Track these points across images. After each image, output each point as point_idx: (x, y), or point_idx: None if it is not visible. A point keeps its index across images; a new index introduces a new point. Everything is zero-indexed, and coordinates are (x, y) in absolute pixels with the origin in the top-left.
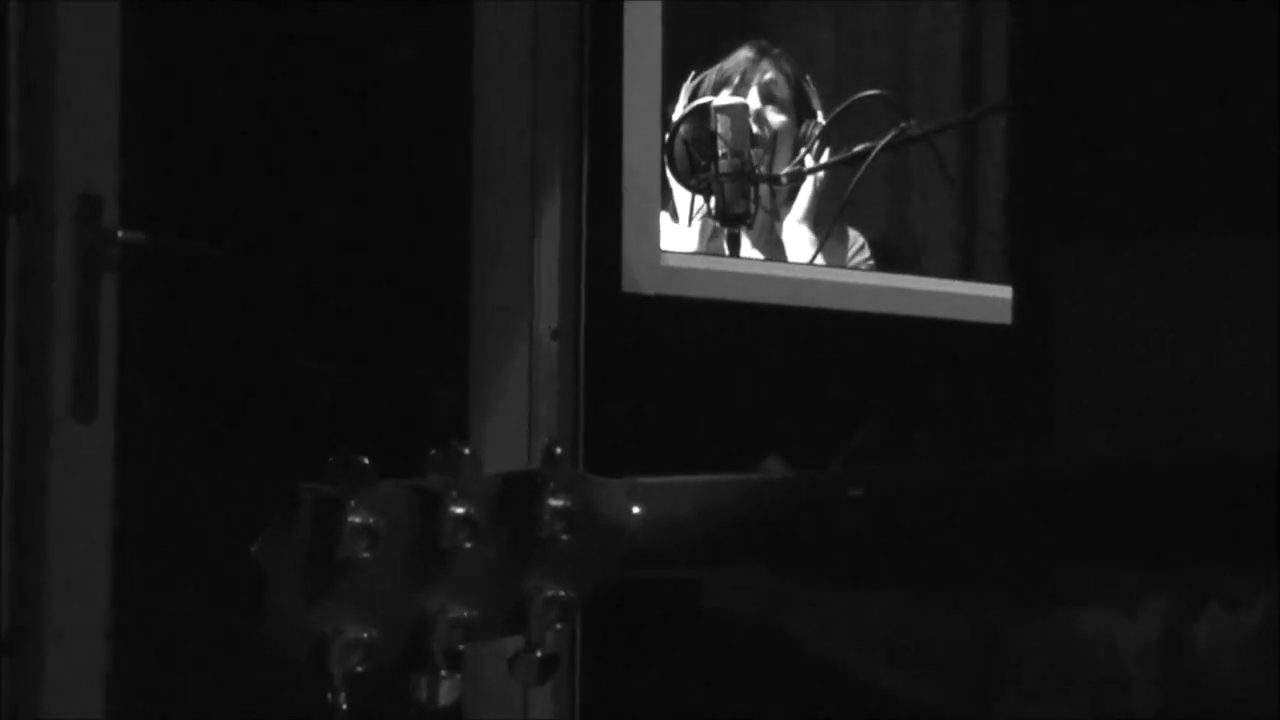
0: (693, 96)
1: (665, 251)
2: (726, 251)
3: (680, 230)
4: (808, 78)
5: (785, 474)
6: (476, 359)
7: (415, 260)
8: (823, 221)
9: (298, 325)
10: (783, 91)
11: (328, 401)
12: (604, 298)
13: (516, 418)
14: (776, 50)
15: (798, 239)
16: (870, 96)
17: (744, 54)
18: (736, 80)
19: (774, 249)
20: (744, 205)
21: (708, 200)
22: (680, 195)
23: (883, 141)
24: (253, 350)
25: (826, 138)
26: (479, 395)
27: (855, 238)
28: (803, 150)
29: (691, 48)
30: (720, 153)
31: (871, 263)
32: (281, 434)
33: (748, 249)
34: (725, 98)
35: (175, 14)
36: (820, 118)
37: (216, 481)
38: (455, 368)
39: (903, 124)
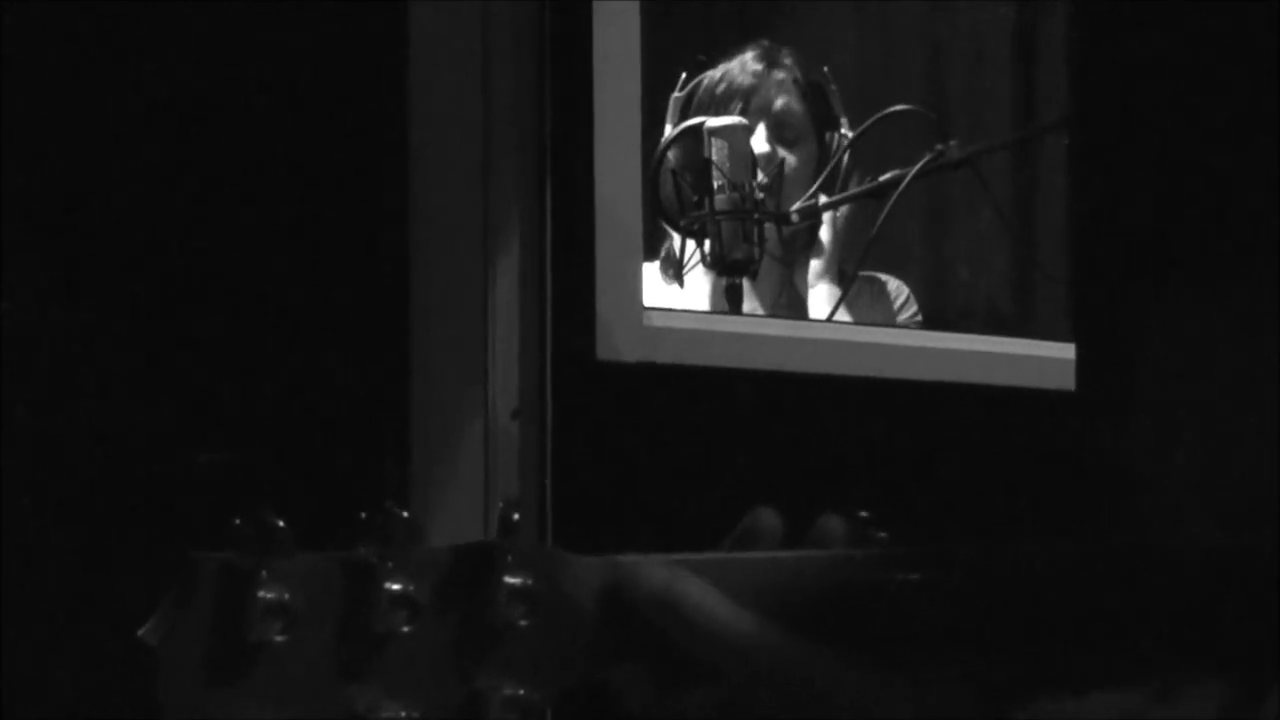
0: (685, 107)
1: (649, 309)
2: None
3: (690, 284)
4: (826, 71)
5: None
6: (419, 449)
7: (338, 327)
8: (849, 268)
9: (192, 409)
10: (798, 118)
11: (230, 505)
12: (575, 368)
13: (469, 519)
14: (787, 56)
15: (821, 298)
16: (901, 112)
17: (750, 64)
18: (739, 104)
19: (791, 306)
20: (746, 249)
21: (700, 244)
22: (678, 239)
23: (916, 168)
24: (131, 438)
25: (854, 157)
26: (423, 492)
27: (899, 289)
28: (824, 173)
29: (682, 48)
30: (716, 184)
31: (920, 319)
32: (168, 540)
33: (756, 306)
34: (721, 118)
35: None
36: (846, 128)
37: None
38: (393, 460)
39: (941, 146)
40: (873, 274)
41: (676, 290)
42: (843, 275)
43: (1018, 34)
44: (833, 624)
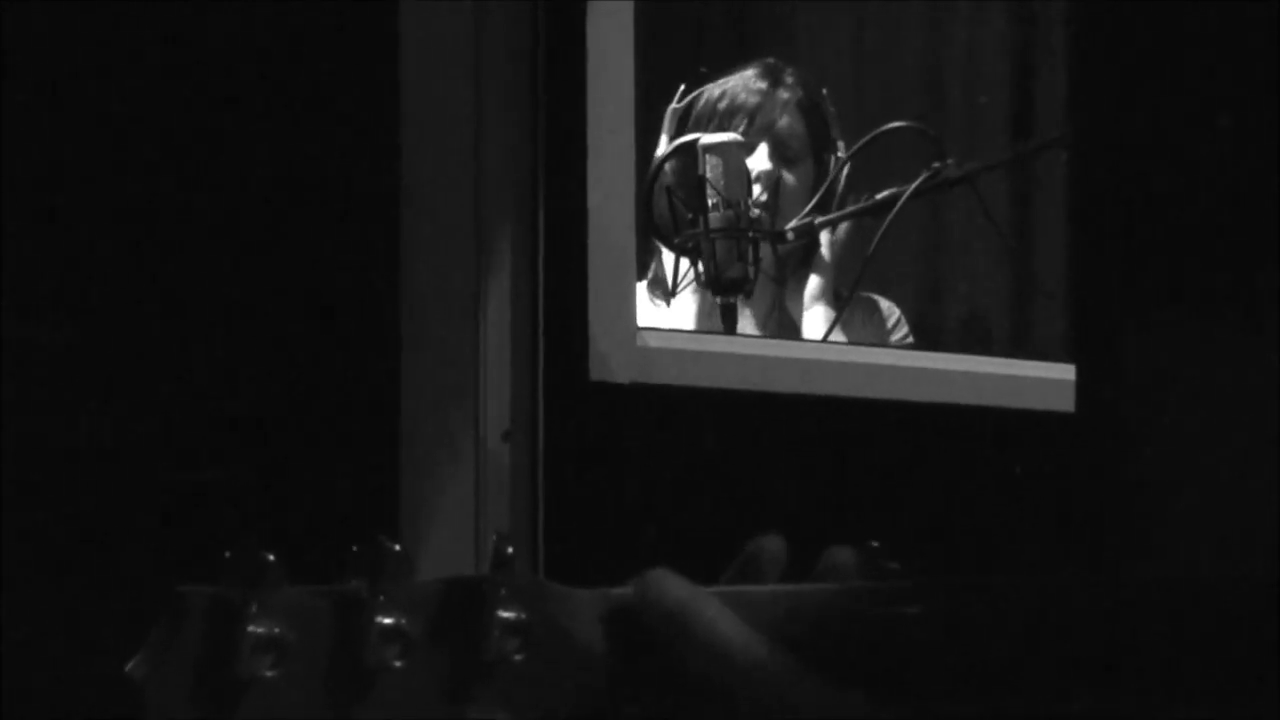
0: (683, 121)
1: (643, 329)
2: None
3: (677, 303)
4: (825, 93)
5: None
6: (409, 472)
7: (327, 347)
8: (844, 289)
9: (177, 431)
10: (800, 138)
11: (217, 531)
12: (567, 389)
13: (460, 543)
14: (790, 75)
15: (817, 319)
16: (898, 130)
17: (753, 81)
18: (744, 122)
19: (782, 326)
20: (740, 269)
21: (694, 264)
22: (670, 258)
23: (912, 186)
24: (115, 459)
25: (851, 178)
26: (413, 516)
27: (890, 310)
28: (820, 191)
29: (677, 60)
30: (710, 203)
31: (911, 340)
32: (154, 570)
33: (747, 325)
34: (716, 134)
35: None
36: (841, 149)
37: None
38: (382, 483)
39: (938, 163)
40: (866, 294)
41: (663, 310)
42: (838, 296)
43: (1016, 51)
44: (843, 656)
